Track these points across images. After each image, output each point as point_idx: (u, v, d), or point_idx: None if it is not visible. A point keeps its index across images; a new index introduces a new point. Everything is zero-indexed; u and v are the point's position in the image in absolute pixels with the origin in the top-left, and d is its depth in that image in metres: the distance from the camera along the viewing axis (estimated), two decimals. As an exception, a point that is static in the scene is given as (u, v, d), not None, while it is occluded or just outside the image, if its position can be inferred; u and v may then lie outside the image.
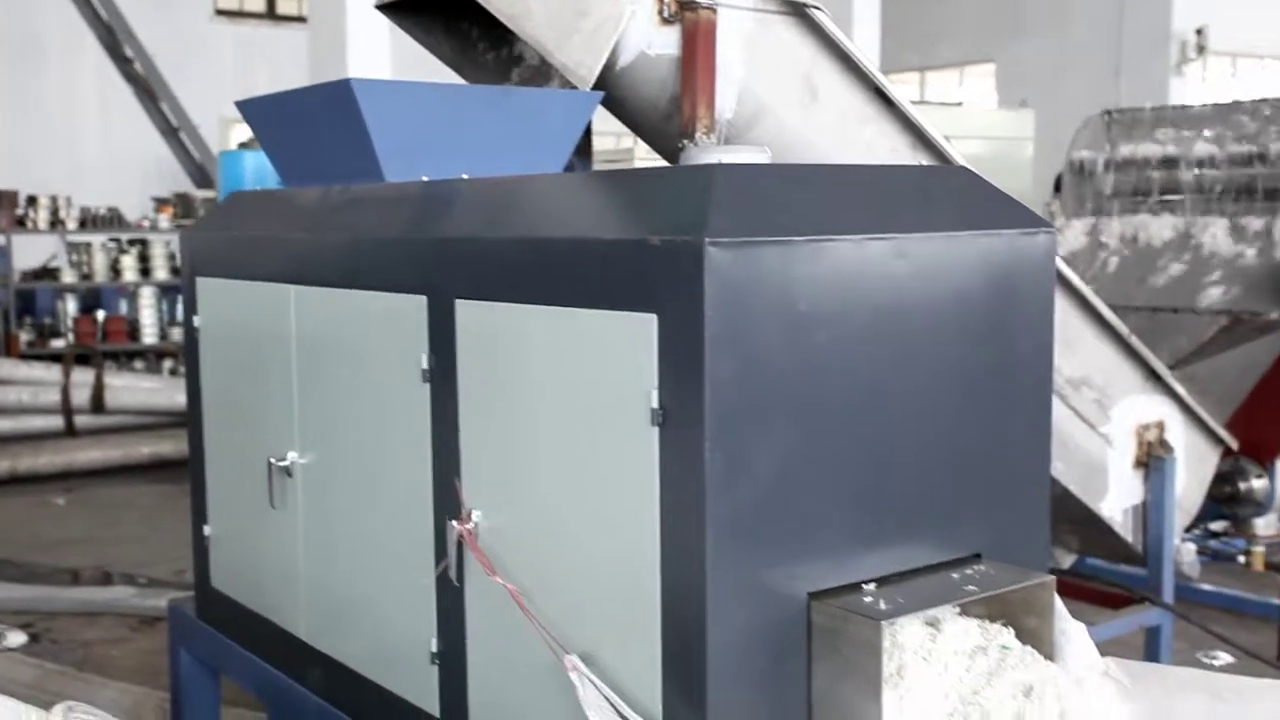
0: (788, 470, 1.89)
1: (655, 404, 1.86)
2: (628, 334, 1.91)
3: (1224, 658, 4.96)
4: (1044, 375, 2.23)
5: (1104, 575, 5.04)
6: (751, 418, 1.85)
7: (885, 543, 2.02)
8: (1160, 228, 5.24)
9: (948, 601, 2.00)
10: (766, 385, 1.86)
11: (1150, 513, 4.55)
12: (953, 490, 2.11)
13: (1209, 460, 4.85)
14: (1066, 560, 5.14)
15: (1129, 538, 4.62)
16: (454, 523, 2.27)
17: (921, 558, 2.08)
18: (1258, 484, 5.12)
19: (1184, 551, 4.93)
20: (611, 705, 1.96)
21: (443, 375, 2.34)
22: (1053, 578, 2.08)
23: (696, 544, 1.83)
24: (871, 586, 1.98)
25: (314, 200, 2.92)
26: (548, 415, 2.11)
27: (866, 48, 11.02)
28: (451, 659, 2.39)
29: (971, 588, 2.02)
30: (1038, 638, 2.09)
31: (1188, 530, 5.26)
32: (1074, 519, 4.69)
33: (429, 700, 2.46)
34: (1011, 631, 2.08)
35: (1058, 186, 7.97)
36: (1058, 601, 2.16)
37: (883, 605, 1.91)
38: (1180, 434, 4.64)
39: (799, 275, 1.89)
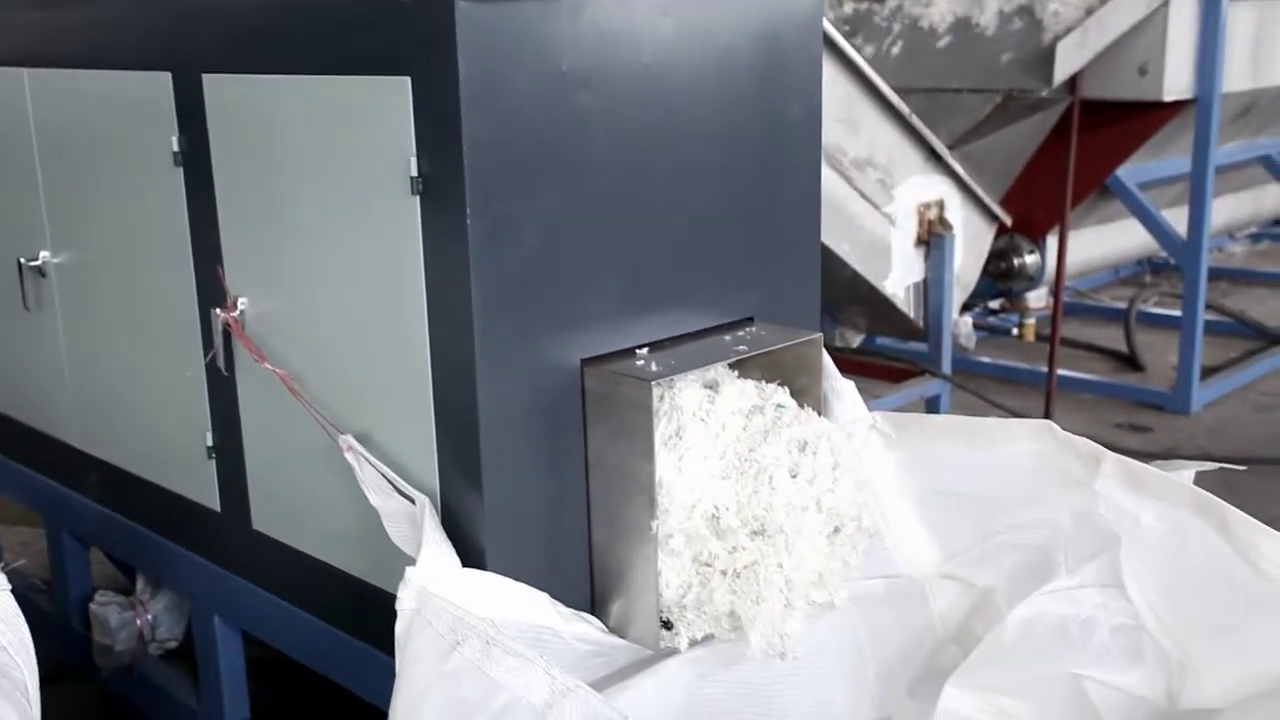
0: (554, 236, 1.86)
1: (414, 172, 1.80)
2: (381, 100, 1.82)
3: (997, 422, 5.27)
4: (814, 139, 2.24)
5: (890, 352, 5.26)
6: (514, 182, 1.80)
7: (657, 308, 2.03)
8: (940, 12, 5.30)
9: (718, 361, 2.03)
10: (528, 148, 1.81)
11: (930, 289, 4.74)
12: (724, 254, 2.12)
13: (985, 237, 5.05)
14: (856, 339, 5.34)
15: (911, 314, 4.82)
16: (218, 311, 2.18)
17: (694, 322, 2.10)
18: (1030, 260, 5.38)
19: (962, 325, 5.18)
20: (389, 482, 1.94)
21: (195, 157, 2.21)
22: (820, 335, 2.13)
23: (463, 314, 1.80)
24: (644, 351, 1.99)
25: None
26: (307, 192, 2.02)
27: None
28: (228, 451, 2.33)
29: (742, 348, 2.06)
30: (810, 395, 2.16)
31: (967, 307, 5.52)
32: (861, 299, 4.85)
33: (208, 495, 2.41)
34: (786, 390, 2.14)
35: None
36: (827, 360, 2.23)
37: (654, 367, 1.93)
38: (959, 212, 4.81)
39: (559, 33, 1.83)
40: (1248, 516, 1.84)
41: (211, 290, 2.23)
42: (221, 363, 2.22)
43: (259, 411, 2.23)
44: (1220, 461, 2.14)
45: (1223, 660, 1.89)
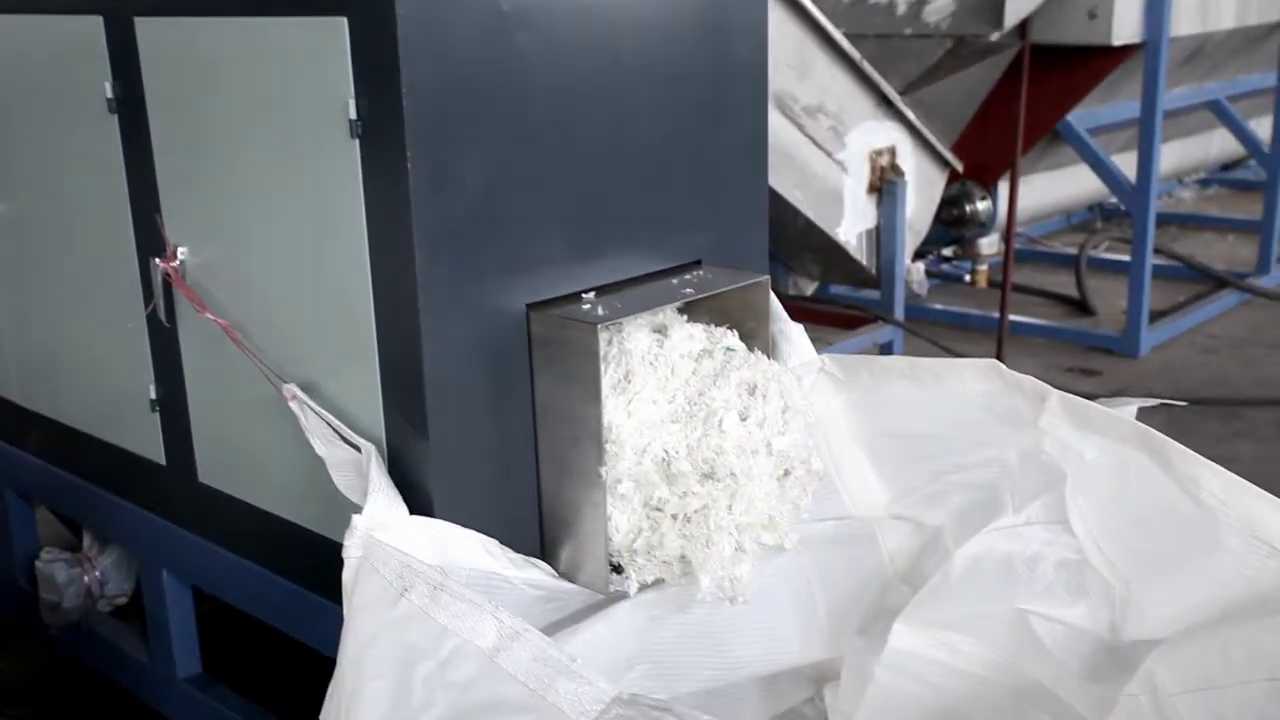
0: (496, 179, 1.83)
1: (353, 115, 1.76)
2: (318, 41, 1.78)
3: (950, 369, 5.31)
4: (759, 80, 2.22)
5: (843, 300, 5.28)
6: (454, 124, 1.77)
7: (603, 252, 2.02)
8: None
9: (665, 304, 2.02)
10: (468, 90, 1.78)
11: (883, 235, 4.75)
12: (670, 197, 2.11)
13: (937, 183, 5.06)
14: (809, 287, 5.35)
15: (864, 261, 4.83)
16: (158, 261, 2.14)
17: (642, 266, 2.09)
18: (982, 206, 5.40)
19: (914, 271, 5.20)
20: (335, 431, 1.93)
21: (130, 104, 2.16)
22: (768, 277, 2.12)
23: (405, 260, 1.78)
24: (590, 295, 1.98)
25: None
26: (246, 138, 1.98)
27: None
28: (172, 404, 2.30)
29: (689, 291, 2.05)
30: (758, 338, 2.15)
31: (920, 254, 5.53)
32: (815, 247, 4.85)
33: (153, 448, 2.38)
34: (735, 334, 2.13)
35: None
36: (775, 302, 2.22)
37: (600, 311, 1.92)
38: (910, 158, 4.81)
39: (498, -28, 1.79)
40: (1188, 450, 1.86)
41: (151, 240, 2.20)
42: (162, 314, 2.19)
43: (202, 363, 2.20)
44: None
45: (1164, 592, 1.91)
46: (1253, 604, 1.77)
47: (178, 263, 2.14)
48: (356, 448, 1.88)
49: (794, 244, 4.84)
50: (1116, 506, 1.96)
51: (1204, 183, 8.85)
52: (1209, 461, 1.84)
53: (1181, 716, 1.74)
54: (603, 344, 2.00)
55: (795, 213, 4.52)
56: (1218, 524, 1.82)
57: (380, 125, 1.75)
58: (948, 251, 5.86)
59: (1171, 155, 6.83)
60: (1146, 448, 1.90)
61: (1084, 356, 5.37)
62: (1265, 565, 1.77)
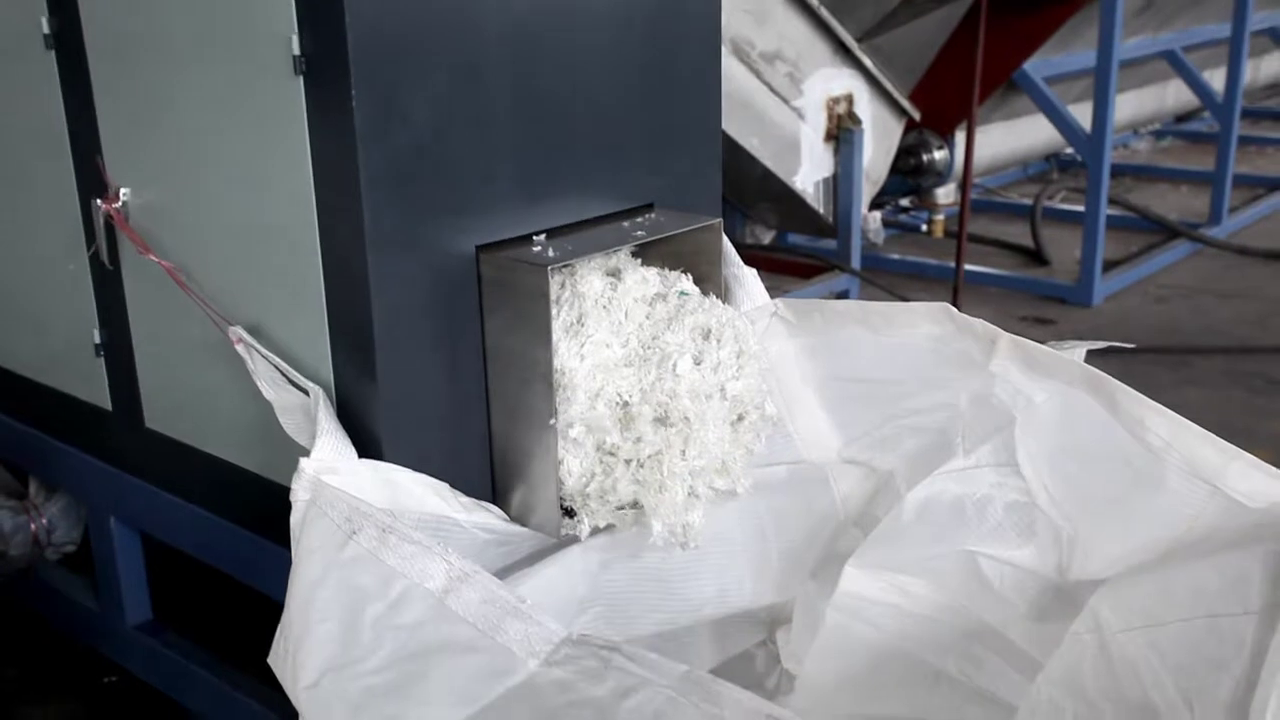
0: (444, 118, 1.80)
1: (296, 51, 1.72)
2: (260, -26, 1.74)
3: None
4: (713, 21, 2.19)
5: (800, 249, 5.28)
6: (400, 61, 1.74)
7: (554, 194, 1.99)
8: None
9: (616, 246, 2.00)
10: (415, 26, 1.74)
11: (840, 184, 4.75)
12: (622, 139, 2.08)
13: (894, 132, 5.06)
14: (767, 236, 5.35)
15: (821, 209, 4.83)
16: (99, 202, 2.10)
17: (593, 209, 2.07)
18: (939, 155, 5.41)
19: (871, 220, 5.21)
20: (282, 374, 1.90)
21: (67, 40, 2.10)
22: (720, 220, 2.11)
23: (352, 201, 1.75)
24: (541, 238, 1.96)
25: None
26: (188, 75, 1.93)
27: None
28: (117, 348, 2.26)
29: (641, 233, 2.03)
30: (711, 282, 2.14)
31: (877, 205, 5.54)
32: (772, 195, 4.84)
33: (99, 394, 2.34)
34: (689, 278, 2.12)
35: None
36: (728, 246, 2.21)
37: (551, 253, 1.90)
38: (867, 107, 4.80)
39: (445, -96, 1.76)
40: (1135, 392, 1.87)
41: (92, 181, 2.15)
42: (105, 256, 2.15)
43: (147, 306, 2.17)
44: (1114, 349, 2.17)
45: (1109, 533, 1.93)
46: (1195, 543, 1.79)
47: (120, 204, 2.09)
48: (304, 391, 1.85)
49: (752, 193, 4.83)
50: (1064, 449, 1.97)
51: (1159, 134, 8.91)
52: (1155, 403, 1.85)
53: (1125, 653, 1.76)
54: (555, 287, 1.98)
55: (753, 161, 4.50)
56: (1163, 465, 1.83)
57: (324, 62, 1.71)
58: (905, 201, 5.87)
59: (1127, 106, 6.87)
60: (1094, 390, 1.91)
61: (1038, 306, 5.41)
62: (1207, 505, 1.79)
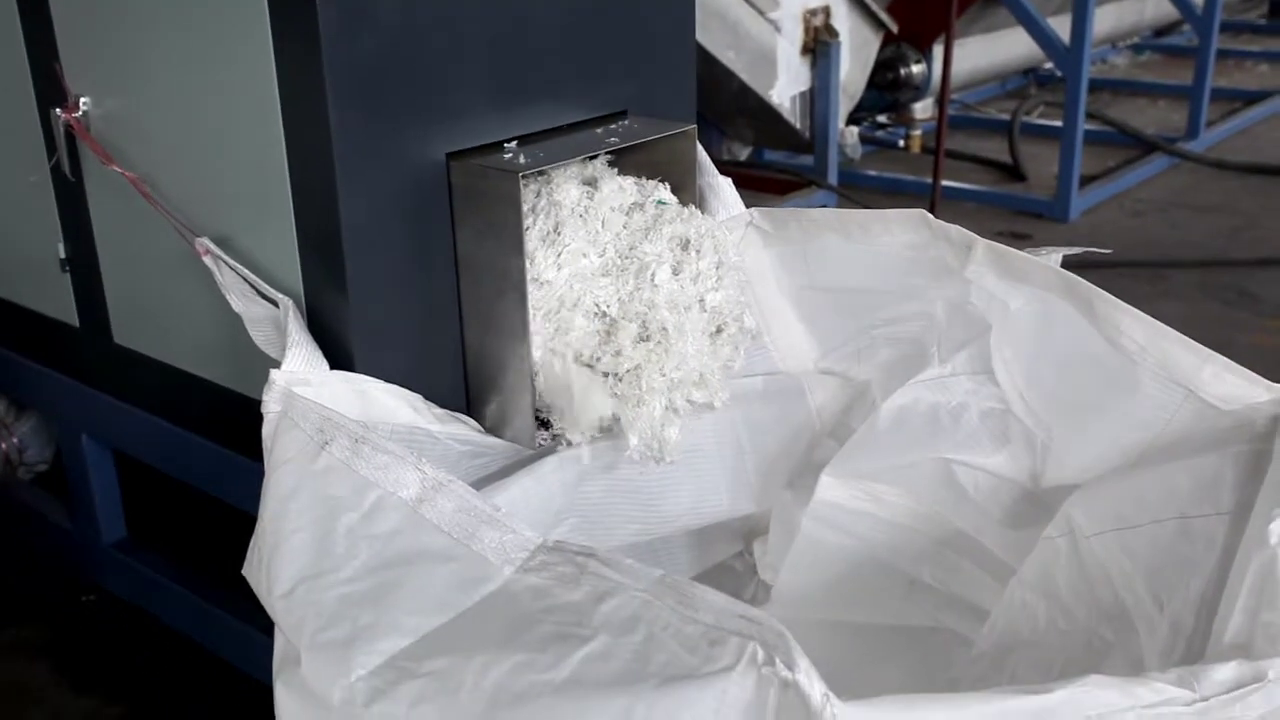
0: (412, 20, 1.76)
1: (257, -51, 1.68)
2: None
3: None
4: (686, -77, 2.15)
5: (777, 165, 5.24)
6: (365, -40, 1.69)
7: (526, 101, 1.95)
8: None
9: (588, 153, 1.97)
10: (380, -76, 1.70)
11: (816, 97, 4.70)
12: (595, 45, 2.04)
13: (871, 45, 5.00)
14: (743, 152, 5.30)
15: (797, 124, 4.78)
16: (59, 111, 2.05)
17: (566, 115, 2.03)
18: (916, 69, 5.36)
19: (848, 135, 5.17)
20: (251, 286, 1.87)
21: (21, -58, 2.04)
22: (694, 126, 2.08)
23: (318, 105, 1.70)
24: (513, 145, 1.93)
25: None
26: (145, -21, 1.88)
27: None
28: (82, 263, 2.23)
29: (614, 140, 2.00)
30: (687, 191, 2.12)
31: (855, 121, 5.49)
32: (748, 111, 4.79)
33: (65, 310, 2.31)
34: (667, 187, 2.09)
35: None
36: (703, 155, 2.18)
37: (522, 159, 1.86)
38: (845, 19, 4.74)
39: None
40: (1110, 296, 1.86)
41: (50, 90, 2.10)
42: (66, 167, 2.10)
43: (112, 219, 2.13)
44: (1092, 263, 2.16)
45: (1083, 439, 1.94)
46: (1168, 446, 1.80)
47: (80, 113, 2.04)
48: (274, 302, 1.83)
49: (728, 108, 4.78)
50: (1039, 355, 1.97)
51: (1137, 48, 8.84)
52: (1130, 307, 1.85)
53: (1096, 556, 1.77)
54: (531, 196, 1.95)
55: (729, 75, 4.45)
56: (1137, 369, 1.83)
57: (286, -39, 1.66)
58: (883, 118, 5.83)
59: (1106, 19, 6.80)
60: (1070, 294, 1.90)
61: (1015, 221, 5.40)
62: (1181, 408, 1.80)
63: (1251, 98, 7.35)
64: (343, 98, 1.70)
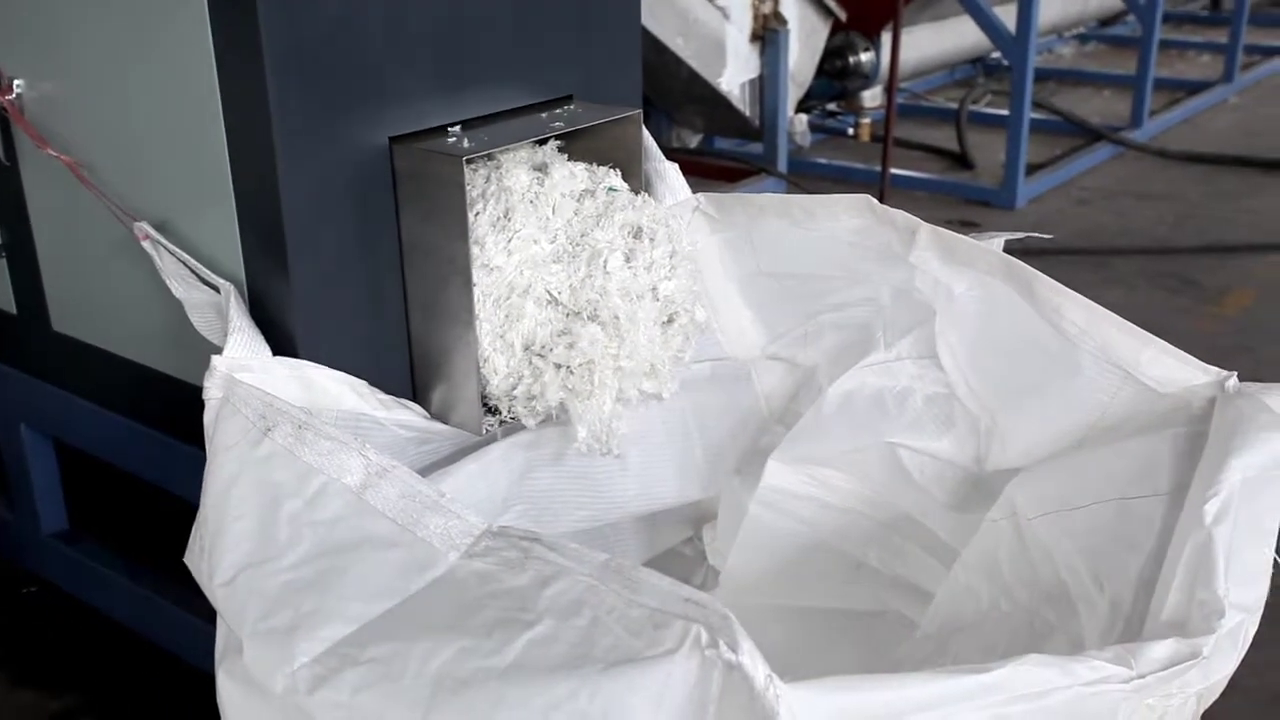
0: (354, 2, 1.74)
1: (194, -73, 1.65)
2: None
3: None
4: (632, -93, 2.14)
5: (726, 153, 5.24)
6: (305, -59, 1.67)
7: (471, 84, 1.94)
8: None
9: (532, 137, 1.96)
10: (320, -96, 1.68)
11: (766, 85, 4.71)
12: (540, 28, 2.03)
13: (820, 33, 5.01)
14: (693, 140, 5.30)
15: (747, 112, 4.79)
16: (-8, 95, 2.01)
17: (511, 100, 2.02)
18: (865, 57, 5.37)
19: (797, 123, 5.18)
20: (192, 271, 1.85)
21: (-49, -80, 2.00)
22: (640, 111, 2.07)
23: (257, 88, 1.68)
24: (456, 129, 1.91)
25: None
26: (81, -42, 1.85)
27: None
28: (19, 249, 2.19)
29: (559, 124, 1.99)
30: (633, 177, 2.11)
31: (805, 109, 5.50)
32: (698, 99, 4.79)
33: (2, 297, 2.27)
34: (618, 173, 2.08)
35: None
36: (649, 141, 2.18)
37: (466, 144, 1.85)
38: (793, 6, 4.75)
39: None
40: (1051, 280, 1.88)
41: (-16, 73, 2.05)
42: (1, 152, 2.06)
43: (48, 204, 2.09)
44: (1037, 251, 2.18)
45: (1026, 422, 1.96)
46: (1108, 429, 1.82)
47: (14, 96, 2.00)
48: (215, 288, 1.80)
49: (678, 96, 4.77)
50: (983, 339, 1.99)
51: (1083, 38, 8.94)
52: (1071, 291, 1.87)
53: (1038, 537, 1.79)
54: (480, 181, 1.94)
55: (678, 62, 4.45)
56: (1078, 352, 1.85)
57: (225, -59, 1.64)
58: (832, 106, 5.84)
59: (1051, 9, 6.86)
60: (1011, 278, 1.92)
61: (963, 209, 5.44)
62: (1120, 390, 1.82)
63: (1194, 87, 7.45)
64: (282, 79, 1.68)
